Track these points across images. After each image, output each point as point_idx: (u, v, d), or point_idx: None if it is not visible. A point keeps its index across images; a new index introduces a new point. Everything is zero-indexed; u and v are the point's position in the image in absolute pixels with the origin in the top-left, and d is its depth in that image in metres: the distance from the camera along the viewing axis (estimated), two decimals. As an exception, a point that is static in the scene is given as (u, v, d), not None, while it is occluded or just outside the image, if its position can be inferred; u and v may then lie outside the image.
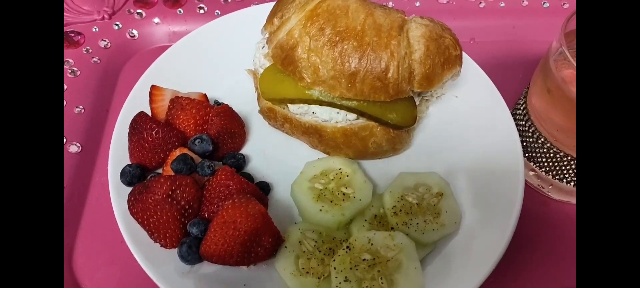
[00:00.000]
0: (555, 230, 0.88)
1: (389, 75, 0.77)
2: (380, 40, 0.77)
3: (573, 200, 0.89)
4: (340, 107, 0.81)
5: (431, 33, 0.80)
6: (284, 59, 0.82)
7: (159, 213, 0.73)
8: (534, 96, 0.83)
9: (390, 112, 0.82)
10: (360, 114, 0.82)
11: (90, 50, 1.07)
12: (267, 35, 0.88)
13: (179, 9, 1.15)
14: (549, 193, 0.90)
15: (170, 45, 1.01)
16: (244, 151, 0.91)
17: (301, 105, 0.84)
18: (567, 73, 0.74)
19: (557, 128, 0.79)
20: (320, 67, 0.78)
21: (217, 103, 0.94)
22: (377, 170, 0.89)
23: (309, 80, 0.80)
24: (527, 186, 0.92)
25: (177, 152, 0.80)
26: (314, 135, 0.85)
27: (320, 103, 0.82)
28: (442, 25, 0.84)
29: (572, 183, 0.84)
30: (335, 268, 0.70)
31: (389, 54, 0.76)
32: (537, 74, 0.82)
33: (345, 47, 0.77)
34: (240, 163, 0.87)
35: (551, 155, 0.83)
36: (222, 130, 0.85)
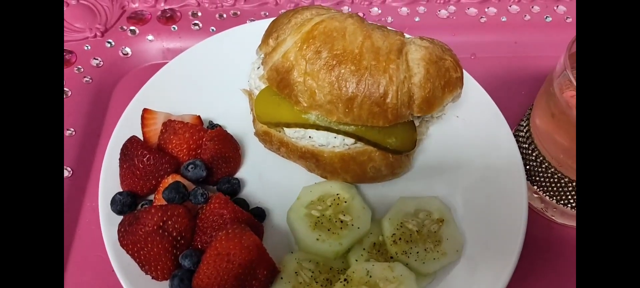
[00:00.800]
0: (559, 255, 0.86)
1: (388, 100, 0.74)
2: (379, 64, 0.74)
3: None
4: (338, 131, 0.79)
5: (431, 55, 0.77)
6: (280, 82, 0.79)
7: (149, 245, 0.70)
8: (537, 118, 0.81)
9: (389, 137, 0.79)
10: (358, 138, 0.79)
11: (82, 70, 1.05)
12: (262, 56, 0.85)
13: (173, 26, 1.13)
14: (553, 217, 0.88)
15: (165, 63, 0.99)
16: (239, 175, 0.89)
17: (297, 129, 0.82)
18: (572, 96, 0.72)
19: (562, 152, 0.77)
20: (316, 91, 0.76)
21: (211, 124, 0.92)
22: (376, 193, 0.87)
23: (305, 104, 0.78)
24: (531, 209, 0.89)
25: (170, 179, 0.78)
26: (310, 159, 0.83)
27: (317, 127, 0.80)
28: (442, 47, 0.81)
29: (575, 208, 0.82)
30: (332, 302, 0.68)
31: (387, 78, 0.74)
32: (541, 96, 0.80)
33: (343, 71, 0.75)
34: (235, 188, 0.84)
35: (555, 179, 0.80)
36: (216, 155, 0.83)
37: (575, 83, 0.68)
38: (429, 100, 0.77)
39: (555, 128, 0.76)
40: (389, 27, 0.83)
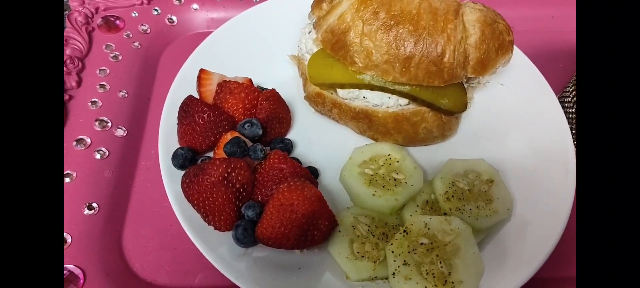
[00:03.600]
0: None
1: (445, 59, 0.76)
2: (437, 24, 0.76)
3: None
4: (393, 91, 0.81)
5: (486, 18, 0.79)
6: (335, 44, 0.81)
7: (214, 195, 0.72)
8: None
9: (443, 98, 0.81)
10: (413, 99, 0.81)
11: (131, 35, 1.07)
12: (314, 20, 0.87)
13: (218, -5, 1.15)
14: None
15: (209, 32, 1.01)
16: (289, 136, 0.91)
17: (351, 90, 0.84)
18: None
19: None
20: (373, 51, 0.78)
21: (261, 89, 0.94)
22: (424, 157, 0.89)
23: (360, 65, 0.80)
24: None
25: (229, 136, 0.80)
26: (363, 120, 0.85)
27: (372, 88, 0.82)
28: (494, 11, 0.83)
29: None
30: (392, 252, 0.70)
31: (445, 38, 0.76)
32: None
33: (401, 31, 0.76)
34: (288, 148, 0.86)
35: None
36: (270, 115, 0.85)
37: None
38: (483, 62, 0.79)
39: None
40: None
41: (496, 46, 0.79)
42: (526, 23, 1.16)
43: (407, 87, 0.80)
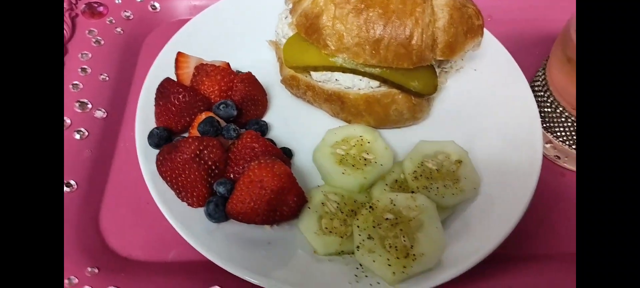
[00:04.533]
0: (570, 201, 0.90)
1: (413, 42, 0.78)
2: (405, 8, 0.78)
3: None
4: (364, 74, 0.83)
5: (455, 2, 0.81)
6: (309, 27, 0.83)
7: (186, 172, 0.74)
8: (553, 67, 0.85)
9: (413, 80, 0.83)
10: (383, 81, 0.83)
11: (114, 21, 1.09)
12: (290, 6, 0.89)
13: (201, -17, 1.16)
14: (565, 164, 0.92)
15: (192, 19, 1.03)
16: (265, 119, 0.93)
17: (324, 72, 0.86)
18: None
19: (573, 95, 0.81)
20: (344, 34, 0.80)
21: (239, 72, 0.96)
22: (396, 139, 0.91)
23: (333, 48, 0.82)
24: (544, 158, 0.93)
25: (203, 116, 0.82)
26: (336, 102, 0.87)
27: (344, 70, 0.84)
28: (464, -4, 0.85)
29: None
30: (358, 226, 0.72)
31: (413, 21, 0.78)
32: (557, 44, 0.83)
33: (371, 14, 0.79)
34: (263, 129, 0.89)
35: (569, 124, 0.84)
36: (245, 97, 0.87)
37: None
38: (452, 45, 0.81)
39: (572, 72, 0.80)
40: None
41: (465, 30, 0.82)
42: (505, 11, 1.18)
43: (378, 69, 0.82)
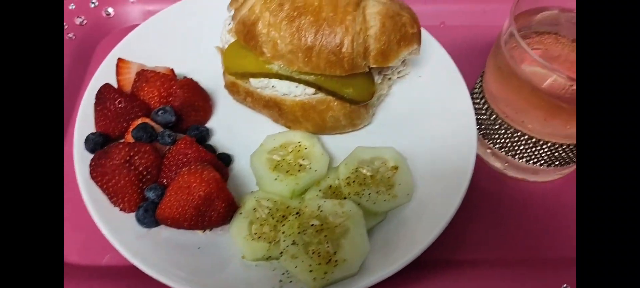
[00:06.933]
0: (511, 207, 0.91)
1: (344, 49, 0.79)
2: (336, 16, 0.79)
3: (528, 177, 0.91)
4: (299, 80, 0.84)
5: (388, 10, 0.82)
6: (246, 34, 0.84)
7: (117, 177, 0.75)
8: (488, 75, 0.86)
9: (347, 87, 0.84)
10: (318, 88, 0.84)
11: (66, 27, 1.10)
12: (232, 12, 0.90)
13: (155, -11, 1.17)
14: (505, 171, 0.93)
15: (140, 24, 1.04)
16: (209, 125, 0.94)
17: (262, 79, 0.87)
18: (516, 53, 0.77)
19: (508, 105, 0.82)
20: (278, 41, 0.81)
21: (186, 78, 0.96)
22: (338, 144, 0.91)
23: (268, 55, 0.83)
24: (485, 165, 0.94)
25: (139, 121, 0.83)
26: (274, 108, 0.88)
27: (280, 77, 0.85)
28: (401, 4, 0.86)
29: (525, 160, 0.87)
30: (283, 232, 0.73)
31: (343, 29, 0.79)
32: (491, 54, 0.84)
33: (303, 22, 0.79)
34: (203, 135, 0.89)
35: (502, 131, 0.85)
36: (185, 103, 0.88)
37: (519, 40, 0.72)
38: (384, 52, 0.82)
39: (503, 82, 0.81)
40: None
41: (398, 38, 0.82)
42: (458, 17, 1.19)
43: (312, 76, 0.83)
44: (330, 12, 0.79)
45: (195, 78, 0.97)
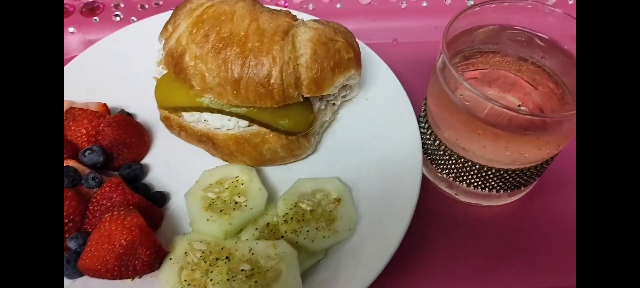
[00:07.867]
0: (462, 230, 0.87)
1: (272, 81, 0.75)
2: (262, 46, 0.75)
3: (481, 202, 0.88)
4: (230, 114, 0.80)
5: (320, 37, 0.78)
6: (175, 67, 0.80)
7: (35, 228, 0.71)
8: (429, 100, 0.82)
9: (282, 118, 0.80)
10: (251, 120, 0.80)
11: None
12: (163, 42, 0.86)
13: (95, 18, 1.13)
14: (457, 196, 0.89)
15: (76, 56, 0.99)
16: (146, 160, 0.90)
17: (193, 113, 0.83)
18: (451, 80, 0.73)
19: (447, 130, 0.78)
20: (206, 74, 0.77)
21: (124, 112, 0.92)
22: (280, 176, 0.87)
23: (198, 88, 0.79)
24: (437, 191, 0.91)
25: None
26: (208, 143, 0.84)
27: (211, 110, 0.81)
28: (336, 28, 0.82)
29: (472, 186, 0.83)
30: (211, 279, 0.69)
31: (270, 59, 0.75)
32: (430, 79, 0.81)
33: (229, 53, 0.76)
34: (136, 173, 0.85)
35: (447, 157, 0.82)
36: (115, 141, 0.83)
37: (450, 67, 0.69)
38: (317, 81, 0.78)
39: (441, 107, 0.77)
40: (284, 10, 0.84)
41: (332, 65, 0.79)
42: (410, 34, 1.16)
43: (243, 109, 0.79)
44: (256, 42, 0.75)
45: (134, 111, 0.93)
